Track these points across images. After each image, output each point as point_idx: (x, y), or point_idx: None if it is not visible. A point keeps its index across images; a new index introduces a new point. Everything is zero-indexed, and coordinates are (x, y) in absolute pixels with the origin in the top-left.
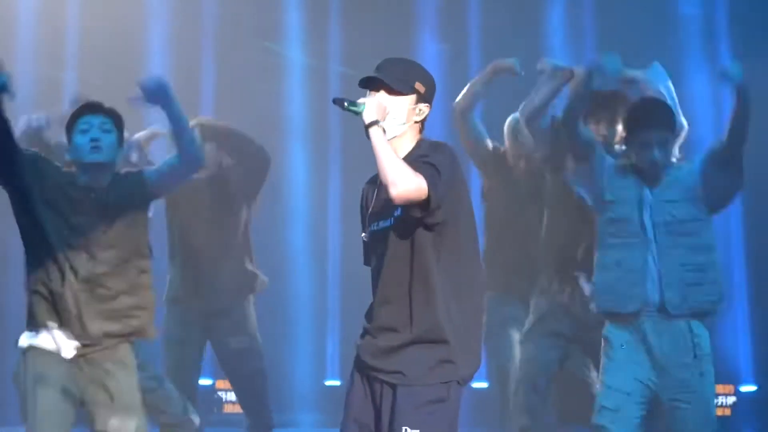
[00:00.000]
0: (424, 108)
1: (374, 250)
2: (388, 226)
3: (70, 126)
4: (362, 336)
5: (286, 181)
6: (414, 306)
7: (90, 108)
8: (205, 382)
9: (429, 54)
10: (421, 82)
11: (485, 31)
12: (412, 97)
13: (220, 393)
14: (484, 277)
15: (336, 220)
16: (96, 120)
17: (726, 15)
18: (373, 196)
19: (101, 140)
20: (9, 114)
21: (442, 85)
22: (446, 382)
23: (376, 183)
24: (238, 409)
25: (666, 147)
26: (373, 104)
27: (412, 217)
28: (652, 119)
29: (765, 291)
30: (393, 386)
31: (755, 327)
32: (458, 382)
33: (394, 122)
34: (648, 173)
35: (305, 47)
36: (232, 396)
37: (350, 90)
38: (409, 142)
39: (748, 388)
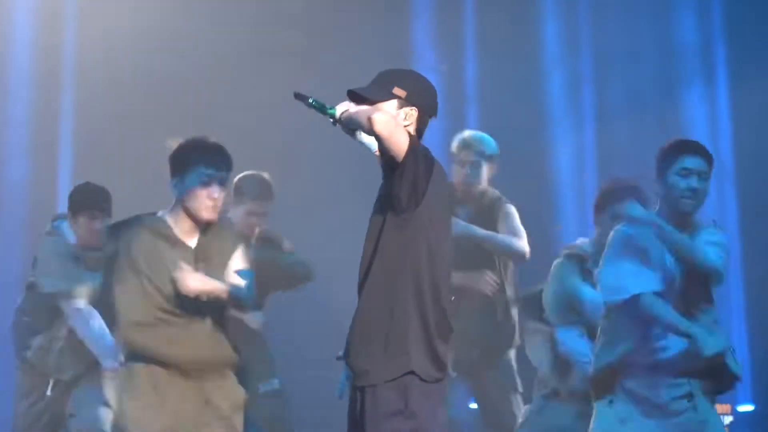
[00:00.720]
0: (411, 111)
1: None
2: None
3: (186, 164)
4: None
5: (280, 201)
6: (375, 303)
7: (216, 161)
8: None
9: (425, 75)
10: (400, 86)
11: (482, 52)
12: (392, 103)
13: None
14: (447, 285)
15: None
16: (218, 174)
17: (722, 32)
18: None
19: (219, 200)
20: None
21: (439, 106)
22: (402, 378)
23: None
24: None
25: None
26: (343, 106)
27: (385, 210)
28: (685, 146)
29: (762, 311)
30: (362, 389)
31: (753, 346)
32: (419, 378)
33: None
34: (681, 213)
35: (302, 69)
36: None
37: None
38: None
39: (746, 407)
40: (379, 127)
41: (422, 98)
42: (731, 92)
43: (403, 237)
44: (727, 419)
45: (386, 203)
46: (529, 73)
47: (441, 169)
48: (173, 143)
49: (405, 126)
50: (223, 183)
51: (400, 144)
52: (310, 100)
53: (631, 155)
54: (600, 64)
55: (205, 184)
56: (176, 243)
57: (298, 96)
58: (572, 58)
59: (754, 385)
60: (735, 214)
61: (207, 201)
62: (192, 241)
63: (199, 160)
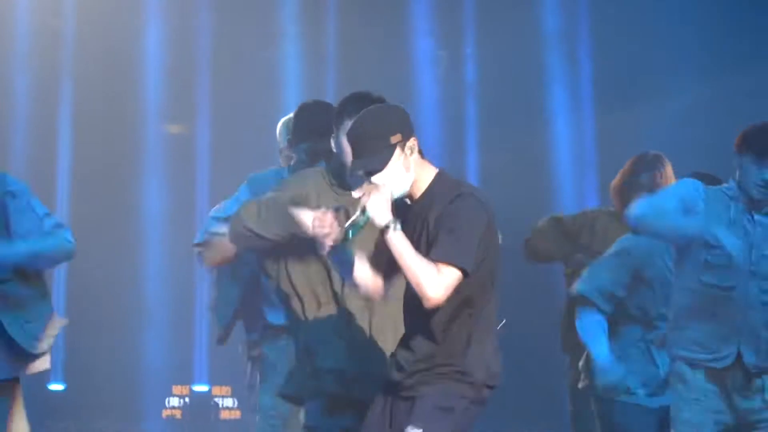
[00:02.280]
0: (412, 142)
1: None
2: None
3: (339, 120)
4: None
5: None
6: (445, 335)
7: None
8: (201, 388)
9: (425, 61)
10: (394, 132)
11: (481, 38)
12: (396, 152)
13: (216, 399)
14: (497, 303)
15: None
16: None
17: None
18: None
19: None
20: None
21: (438, 91)
22: (457, 394)
23: (400, 210)
24: (234, 415)
25: None
26: (375, 203)
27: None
28: None
29: None
30: (412, 398)
31: None
32: (470, 401)
33: (399, 180)
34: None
35: (301, 55)
36: (228, 402)
37: (345, 93)
38: (423, 178)
39: None
40: (434, 303)
41: (409, 125)
42: None
43: (473, 283)
44: None
45: None
46: (528, 66)
47: (482, 208)
48: (172, 128)
49: (410, 156)
50: None
51: (452, 281)
52: (352, 230)
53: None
54: (598, 55)
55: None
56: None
57: (348, 229)
58: (571, 40)
59: None
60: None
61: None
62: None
63: (344, 113)
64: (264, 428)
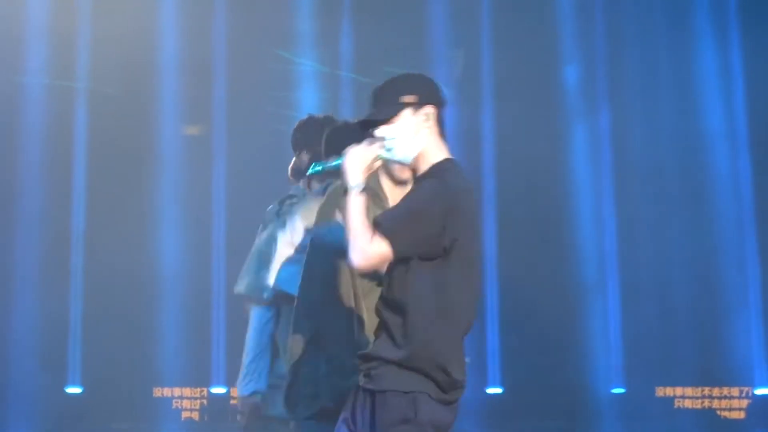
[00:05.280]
0: (429, 109)
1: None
2: None
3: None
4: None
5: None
6: (405, 326)
7: None
8: (218, 390)
9: (441, 59)
10: (407, 93)
11: (497, 36)
12: (407, 111)
13: (235, 401)
14: (470, 305)
15: None
16: None
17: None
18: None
19: None
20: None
21: (454, 89)
22: (413, 393)
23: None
24: None
25: None
26: (353, 160)
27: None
28: None
29: None
30: (372, 393)
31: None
32: (429, 396)
33: (404, 141)
34: None
35: (317, 54)
36: None
37: (361, 97)
38: (431, 156)
39: (764, 390)
40: (358, 265)
41: (432, 94)
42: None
43: (428, 273)
44: (744, 402)
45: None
46: (544, 64)
47: (440, 198)
48: (189, 130)
49: (427, 126)
50: None
51: (382, 262)
52: (320, 168)
53: (646, 140)
54: (614, 54)
55: None
56: (382, 201)
57: (314, 172)
58: (587, 50)
59: None
60: (752, 194)
61: None
62: (398, 196)
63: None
64: (276, 397)
